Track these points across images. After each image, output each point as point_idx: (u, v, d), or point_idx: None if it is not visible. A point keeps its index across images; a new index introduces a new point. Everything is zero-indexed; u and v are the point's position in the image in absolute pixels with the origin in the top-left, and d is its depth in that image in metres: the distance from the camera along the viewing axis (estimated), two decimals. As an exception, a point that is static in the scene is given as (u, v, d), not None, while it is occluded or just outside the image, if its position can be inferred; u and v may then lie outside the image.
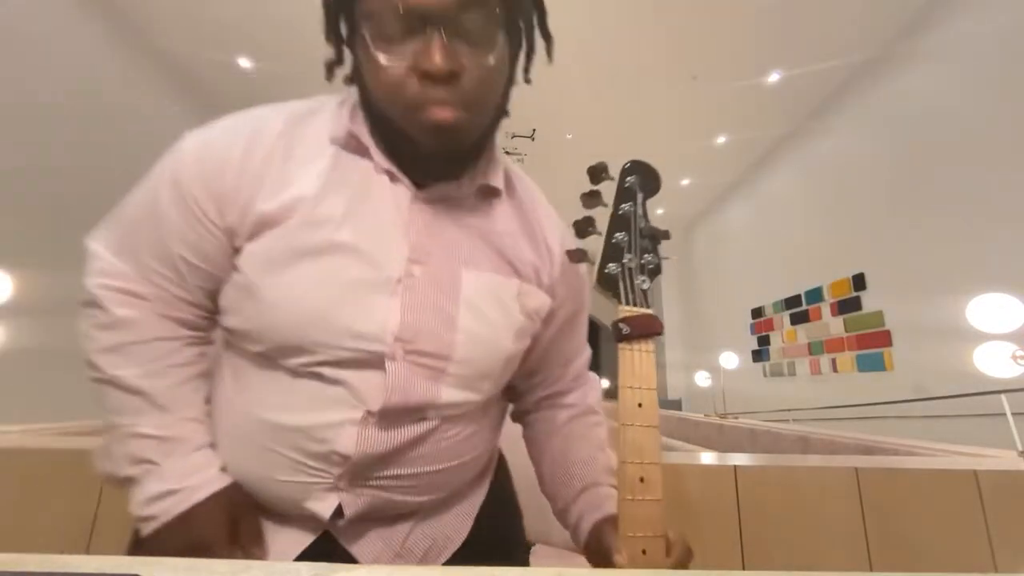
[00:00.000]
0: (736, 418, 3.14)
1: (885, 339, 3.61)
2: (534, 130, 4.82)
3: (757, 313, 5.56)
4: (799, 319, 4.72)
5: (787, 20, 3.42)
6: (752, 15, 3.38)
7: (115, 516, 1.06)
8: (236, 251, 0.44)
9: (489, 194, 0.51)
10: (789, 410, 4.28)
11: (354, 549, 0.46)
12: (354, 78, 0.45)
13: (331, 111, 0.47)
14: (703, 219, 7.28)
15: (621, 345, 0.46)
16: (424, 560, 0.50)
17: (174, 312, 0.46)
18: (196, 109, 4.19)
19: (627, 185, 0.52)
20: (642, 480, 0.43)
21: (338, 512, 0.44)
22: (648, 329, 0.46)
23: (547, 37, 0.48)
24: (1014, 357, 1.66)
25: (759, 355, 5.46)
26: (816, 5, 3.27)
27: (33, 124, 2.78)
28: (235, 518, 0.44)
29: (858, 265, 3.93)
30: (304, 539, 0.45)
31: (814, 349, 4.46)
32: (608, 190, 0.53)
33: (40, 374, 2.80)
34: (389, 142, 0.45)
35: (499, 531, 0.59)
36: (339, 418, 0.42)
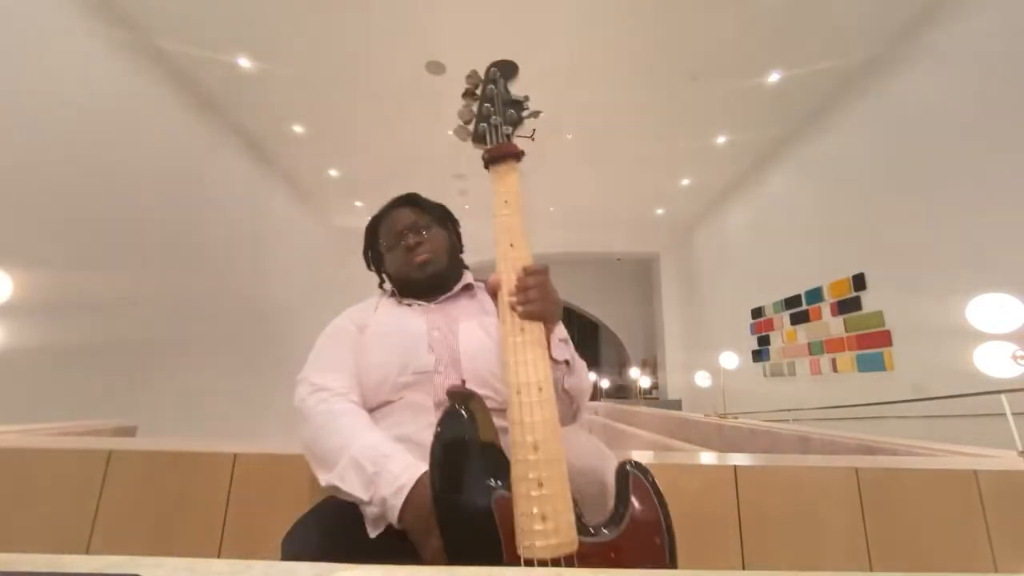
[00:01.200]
0: (736, 418, 3.14)
1: (885, 339, 3.61)
2: (534, 130, 4.80)
3: (757, 313, 5.56)
4: (799, 319, 4.72)
5: (787, 20, 3.42)
6: (752, 15, 3.38)
7: (115, 516, 1.06)
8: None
9: (467, 291, 0.97)
10: (789, 410, 4.28)
11: None
12: (384, 279, 1.01)
13: (388, 290, 1.00)
14: (703, 219, 7.28)
15: (490, 171, 0.65)
16: None
17: (355, 383, 0.83)
18: (196, 109, 4.18)
19: (491, 76, 0.73)
20: (512, 245, 0.61)
21: None
22: (504, 151, 0.66)
23: (459, 242, 1.02)
24: (1014, 357, 1.66)
25: (759, 355, 5.46)
26: (816, 5, 3.27)
27: (30, 122, 2.78)
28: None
29: (858, 265, 3.93)
30: None
31: (814, 349, 4.46)
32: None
33: (40, 374, 2.81)
34: (408, 292, 0.95)
35: None
36: (420, 403, 0.77)
